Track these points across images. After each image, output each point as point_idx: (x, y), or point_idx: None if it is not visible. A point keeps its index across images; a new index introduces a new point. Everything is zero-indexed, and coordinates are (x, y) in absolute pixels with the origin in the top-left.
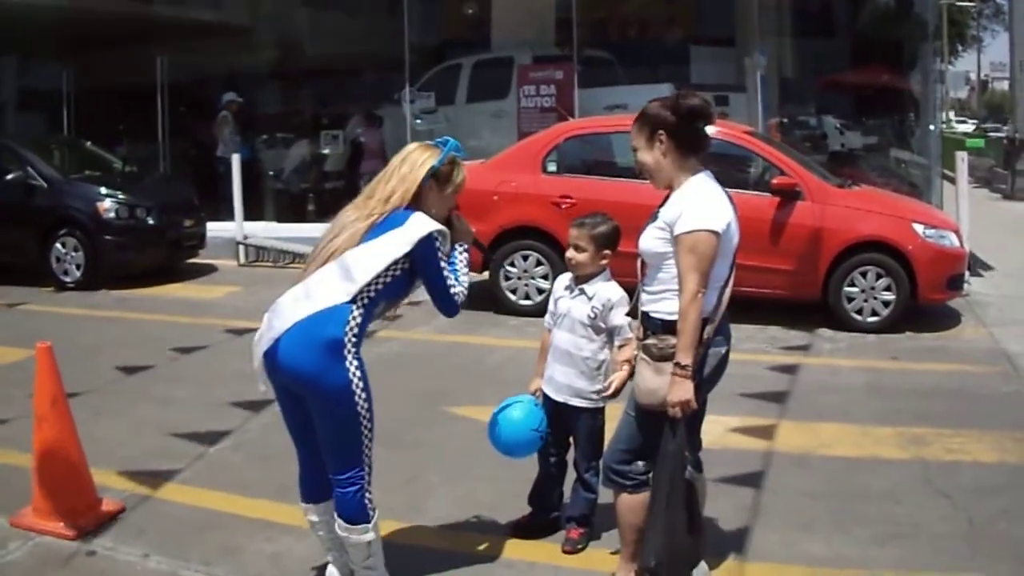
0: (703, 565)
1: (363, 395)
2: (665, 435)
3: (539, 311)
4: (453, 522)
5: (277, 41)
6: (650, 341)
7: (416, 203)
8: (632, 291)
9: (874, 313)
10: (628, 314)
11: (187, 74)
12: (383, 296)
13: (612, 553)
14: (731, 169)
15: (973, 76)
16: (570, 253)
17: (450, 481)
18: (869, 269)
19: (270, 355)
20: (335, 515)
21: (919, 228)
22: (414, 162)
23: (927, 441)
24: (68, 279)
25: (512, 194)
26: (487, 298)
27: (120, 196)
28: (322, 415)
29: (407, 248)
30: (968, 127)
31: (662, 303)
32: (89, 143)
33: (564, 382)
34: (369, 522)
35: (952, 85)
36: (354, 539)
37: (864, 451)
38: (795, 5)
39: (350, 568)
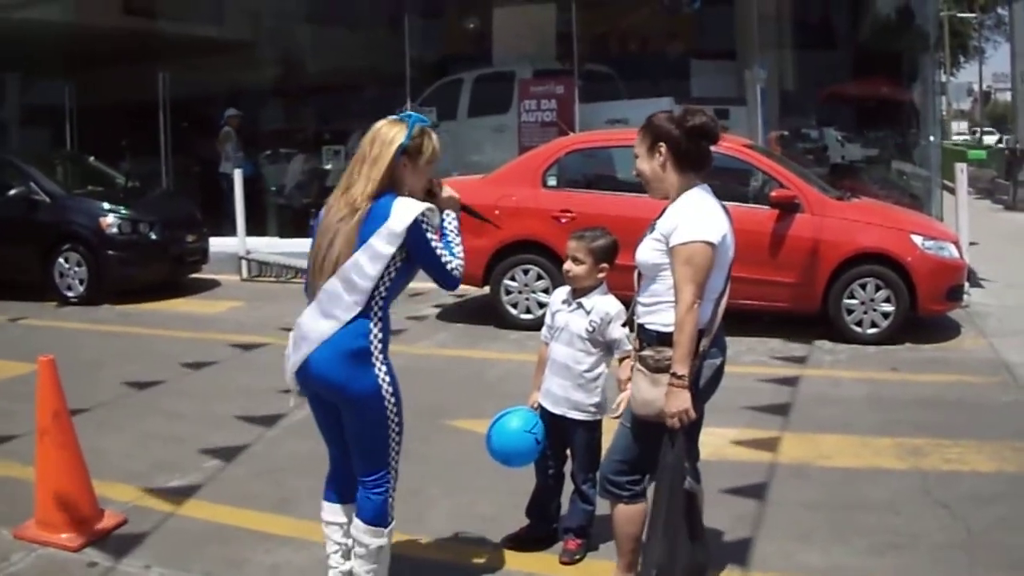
0: None
1: (392, 400)
2: (664, 446)
3: (539, 325)
4: (453, 534)
5: (279, 57)
6: (646, 353)
7: (393, 183)
8: (630, 303)
9: (874, 325)
10: (624, 325)
11: (190, 90)
12: (393, 292)
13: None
14: (730, 182)
15: (976, 87)
16: (568, 265)
17: (450, 493)
18: (868, 281)
19: (301, 371)
20: (355, 518)
21: (918, 240)
22: (383, 141)
23: (926, 452)
24: (71, 294)
25: (513, 208)
26: (487, 312)
27: (123, 211)
28: (353, 419)
29: (399, 241)
30: (989, 138)
31: (657, 315)
32: (92, 159)
33: (562, 395)
34: (386, 527)
35: (954, 96)
36: (368, 541)
37: (863, 462)
38: (795, 18)
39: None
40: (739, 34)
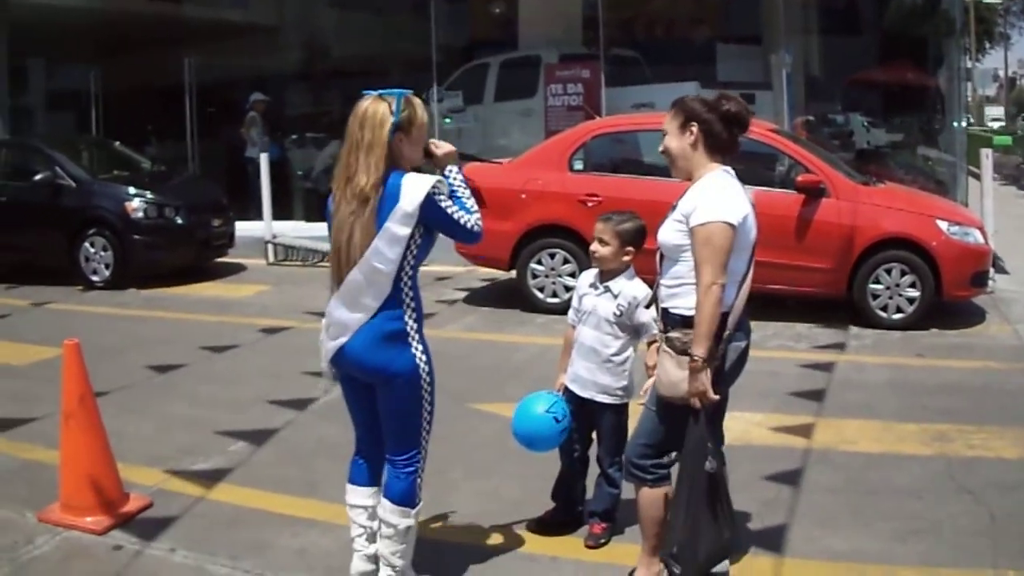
0: (723, 561)
1: (428, 379)
2: (689, 426)
3: (565, 309)
4: (476, 517)
5: (305, 41)
6: (674, 334)
7: (393, 160)
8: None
9: (899, 310)
10: (648, 307)
11: (215, 75)
12: (418, 267)
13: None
14: (756, 167)
15: (1001, 73)
16: (594, 246)
17: (474, 477)
18: (894, 266)
19: (337, 360)
20: (382, 498)
21: (943, 225)
22: (374, 124)
23: (950, 437)
24: (97, 278)
25: (539, 192)
26: (514, 296)
27: (148, 196)
28: (388, 398)
29: (413, 221)
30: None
31: (681, 298)
32: (118, 143)
33: (589, 378)
34: (414, 508)
35: (979, 82)
36: (396, 521)
37: (887, 447)
38: (821, 3)
39: (375, 561)
40: (765, 19)
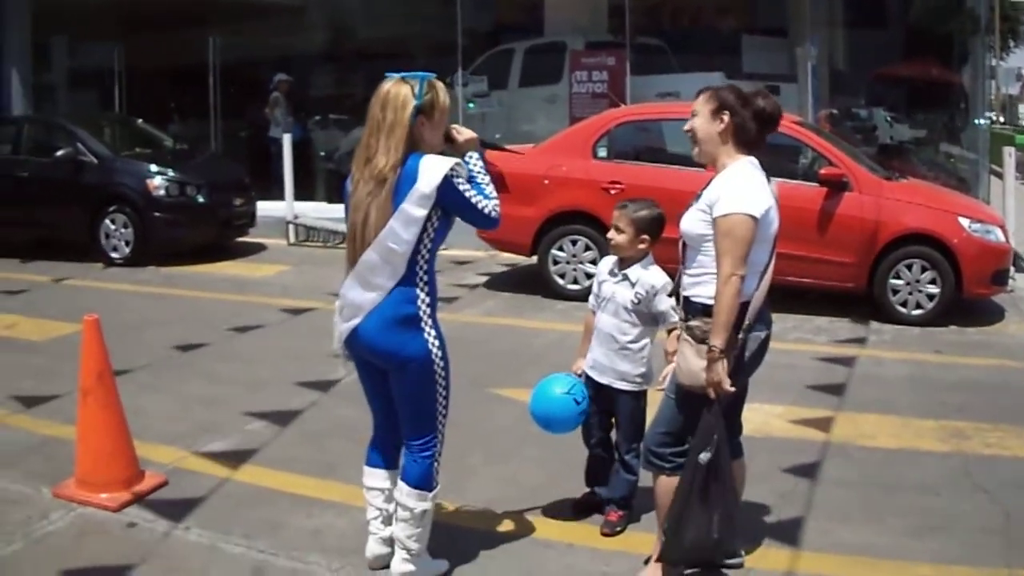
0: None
1: (441, 363)
2: (703, 415)
3: (586, 295)
4: (493, 503)
5: (329, 22)
6: (694, 323)
7: (414, 143)
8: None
9: (918, 306)
10: (670, 295)
11: (239, 54)
12: (435, 250)
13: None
14: (780, 159)
15: None
16: (610, 233)
17: (492, 462)
18: (915, 262)
19: (350, 342)
20: (400, 481)
21: (965, 222)
22: (396, 106)
23: (967, 435)
24: (117, 255)
25: (562, 178)
26: (535, 282)
27: (170, 173)
28: (402, 382)
29: (430, 203)
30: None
31: (703, 287)
32: (140, 121)
33: (607, 364)
34: (431, 491)
35: (1003, 81)
36: (412, 505)
37: (904, 443)
38: None
39: (390, 544)
40: (791, 11)
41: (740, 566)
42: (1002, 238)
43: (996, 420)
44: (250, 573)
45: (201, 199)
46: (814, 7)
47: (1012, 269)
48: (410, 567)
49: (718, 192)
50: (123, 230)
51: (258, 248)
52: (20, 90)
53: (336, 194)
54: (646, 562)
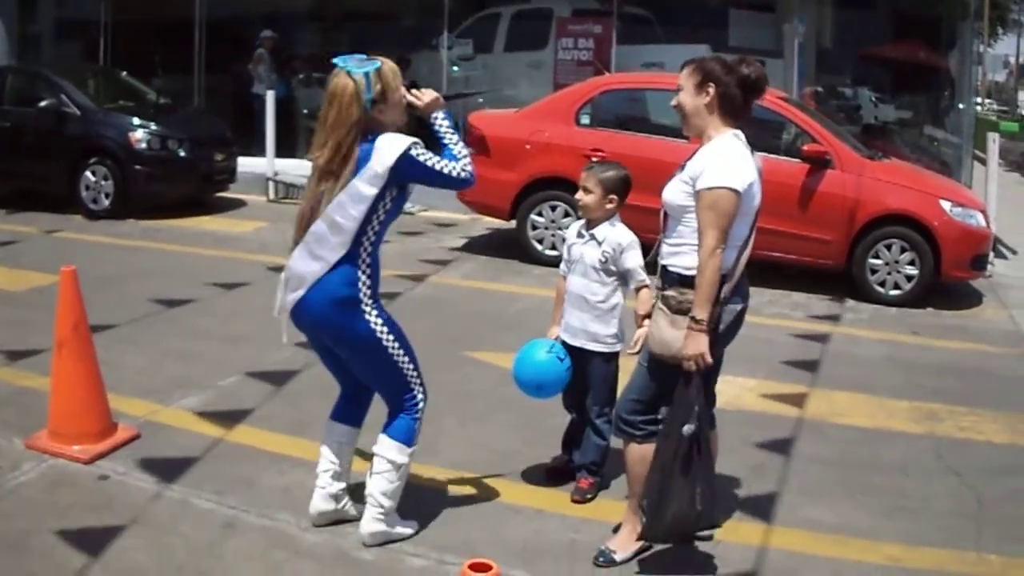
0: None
1: (391, 337)
2: (679, 387)
3: None
4: (465, 466)
5: None
6: (669, 293)
7: (373, 127)
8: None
9: (896, 287)
10: (646, 265)
11: (225, 10)
12: (383, 231)
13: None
14: (763, 133)
15: (1012, 60)
16: (579, 195)
17: (465, 425)
18: (894, 242)
19: (296, 314)
20: (382, 435)
21: (946, 205)
22: (340, 104)
23: (941, 417)
24: (97, 207)
25: (544, 144)
26: (513, 246)
27: (152, 127)
28: (358, 364)
29: (382, 183)
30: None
31: (681, 257)
32: (124, 74)
33: (579, 326)
34: (411, 447)
35: (990, 67)
36: (394, 457)
37: (878, 422)
38: None
39: (338, 501)
40: None
41: (711, 538)
42: (983, 223)
43: (970, 404)
44: (220, 528)
45: (182, 153)
46: None
47: (991, 254)
48: (381, 526)
49: (702, 164)
50: (104, 182)
51: (238, 204)
52: (5, 40)
53: None
54: (615, 529)
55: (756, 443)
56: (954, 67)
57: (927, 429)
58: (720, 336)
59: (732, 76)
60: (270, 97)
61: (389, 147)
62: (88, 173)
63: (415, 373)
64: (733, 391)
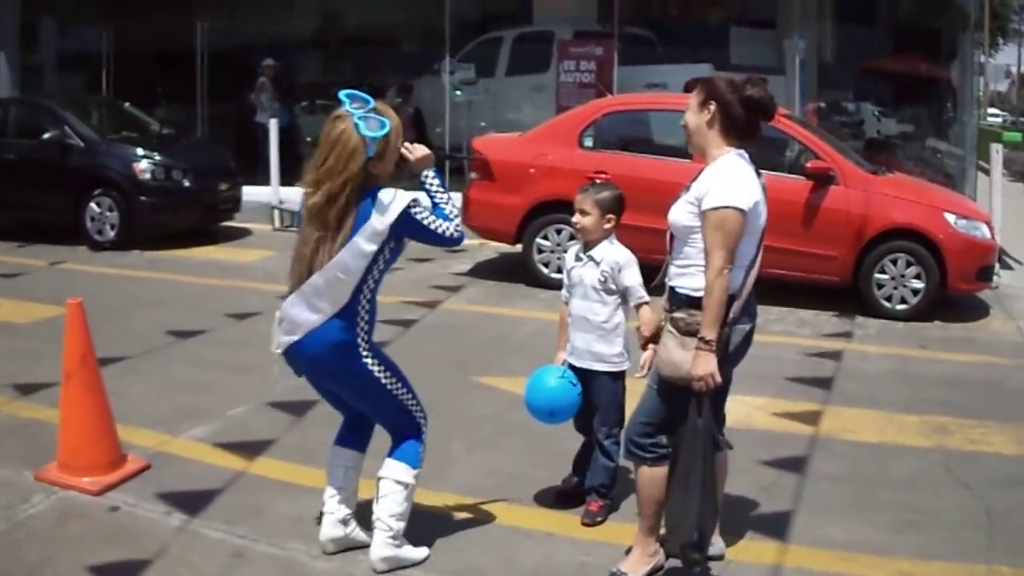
0: (719, 543)
1: (387, 374)
2: (691, 410)
3: None
4: (474, 491)
5: (318, 8)
6: (678, 315)
7: (365, 181)
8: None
9: (903, 301)
10: (653, 287)
11: (227, 39)
12: (381, 279)
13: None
14: (766, 151)
15: (1014, 70)
16: (576, 218)
17: (473, 450)
18: (900, 256)
19: (289, 355)
20: (388, 459)
21: (951, 218)
22: (342, 154)
23: (950, 430)
24: (101, 239)
25: (548, 167)
26: (519, 270)
27: (156, 157)
28: (361, 402)
29: (381, 239)
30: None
31: (688, 278)
32: (127, 104)
33: (584, 348)
34: (417, 469)
35: (992, 78)
36: (401, 477)
37: (887, 437)
38: None
39: (346, 526)
40: (780, 4)
41: (722, 558)
42: (988, 235)
43: (979, 416)
44: (230, 558)
45: (187, 183)
46: (803, 0)
47: (997, 266)
48: (392, 551)
49: (707, 185)
50: (108, 213)
51: (243, 233)
52: (7, 72)
53: None
54: (627, 552)
55: (766, 462)
56: (956, 78)
57: (936, 443)
58: (730, 356)
59: (736, 95)
60: (273, 126)
61: (390, 204)
62: (93, 204)
63: (414, 401)
64: (742, 410)
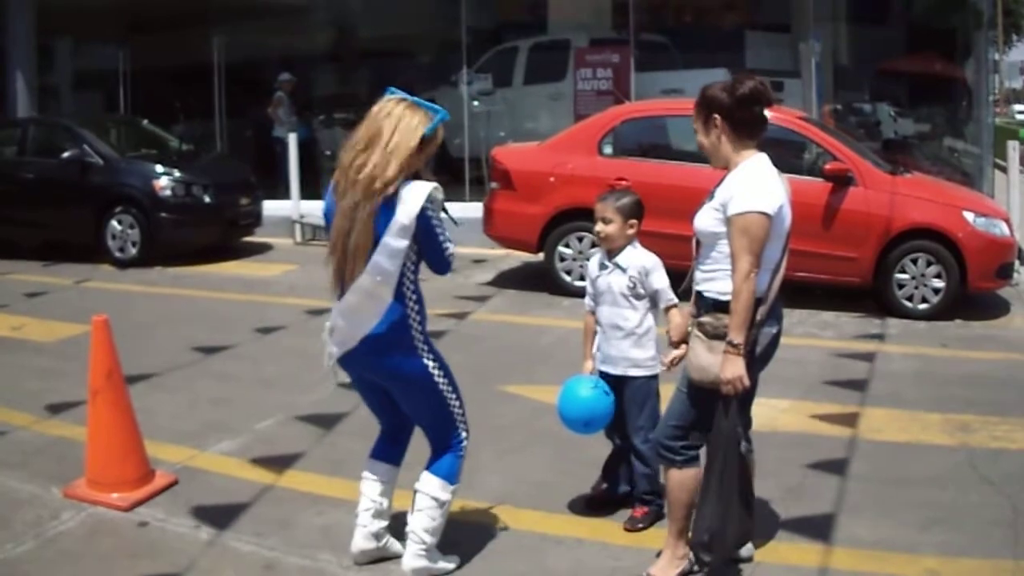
0: (749, 545)
1: (443, 376)
2: (718, 413)
3: None
4: (503, 499)
5: (334, 21)
6: (705, 319)
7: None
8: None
9: (924, 300)
10: (680, 292)
11: (244, 54)
12: (417, 271)
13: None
14: (784, 154)
15: None
16: (599, 227)
17: (501, 458)
18: (920, 256)
19: (346, 360)
20: (426, 473)
21: (969, 216)
22: (406, 129)
23: (973, 428)
24: (124, 256)
25: (568, 176)
26: (541, 278)
27: (176, 174)
28: (411, 402)
29: (411, 232)
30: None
31: (715, 283)
32: (146, 122)
33: (618, 355)
34: (454, 484)
35: (1007, 75)
36: (437, 494)
37: (912, 436)
38: None
39: (379, 540)
40: (794, 7)
41: (751, 559)
42: (1007, 232)
43: (1002, 413)
44: (261, 570)
45: (207, 199)
46: (817, 3)
47: (1017, 263)
48: (423, 562)
49: (732, 191)
50: (129, 231)
51: (264, 248)
52: (25, 92)
53: None
54: (657, 556)
55: (792, 464)
56: (970, 77)
57: (960, 441)
58: (757, 359)
59: (732, 98)
60: (292, 140)
61: (414, 197)
62: (114, 222)
63: (461, 412)
64: (767, 413)
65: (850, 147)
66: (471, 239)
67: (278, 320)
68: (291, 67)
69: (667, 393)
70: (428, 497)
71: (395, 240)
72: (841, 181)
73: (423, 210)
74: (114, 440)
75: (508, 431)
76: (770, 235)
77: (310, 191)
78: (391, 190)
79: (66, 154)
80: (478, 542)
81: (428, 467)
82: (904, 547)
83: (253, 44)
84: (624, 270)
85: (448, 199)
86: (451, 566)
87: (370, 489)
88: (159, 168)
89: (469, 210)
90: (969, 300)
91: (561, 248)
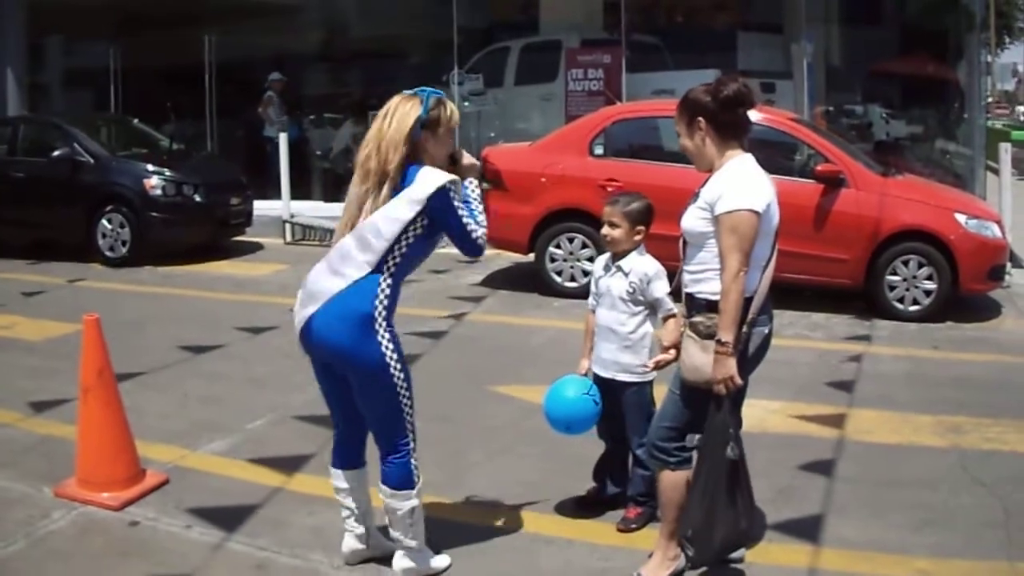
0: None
1: (398, 367)
2: (710, 411)
3: (583, 293)
4: (494, 498)
5: (324, 21)
6: (697, 319)
7: (416, 155)
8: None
9: (915, 302)
10: (670, 294)
11: (234, 53)
12: (408, 260)
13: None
14: (775, 156)
15: (1021, 68)
16: (605, 230)
17: (491, 458)
18: (911, 258)
19: (305, 333)
20: (380, 484)
21: (961, 218)
22: (400, 117)
23: (965, 430)
24: (114, 255)
25: (559, 176)
26: (531, 279)
27: (167, 173)
28: (362, 390)
29: (419, 207)
30: None
31: (706, 283)
32: (136, 121)
33: (610, 358)
34: (413, 488)
35: (999, 77)
36: (397, 505)
37: (902, 438)
38: None
39: (368, 540)
40: (786, 7)
41: (741, 560)
42: (998, 234)
43: (994, 415)
44: (252, 570)
45: (198, 198)
46: (809, 3)
47: (1008, 265)
48: (410, 563)
49: (719, 190)
50: (120, 230)
51: (255, 247)
52: (15, 90)
53: (332, 192)
54: (649, 557)
55: (782, 465)
56: (963, 78)
57: (952, 442)
58: (748, 359)
59: (715, 101)
60: (283, 140)
61: (431, 177)
62: (104, 221)
63: (411, 415)
64: (757, 414)
65: (842, 149)
66: None
67: (268, 320)
68: (282, 67)
69: (660, 395)
70: (392, 510)
71: (399, 207)
72: (832, 183)
73: (443, 189)
74: (105, 439)
75: (497, 431)
76: (759, 232)
77: (300, 191)
78: (391, 170)
79: (56, 153)
80: (469, 541)
81: (383, 480)
82: (895, 548)
83: (244, 43)
84: (626, 275)
85: None
86: (442, 565)
87: (343, 498)
88: (150, 167)
89: None
90: (960, 302)
91: (552, 249)
